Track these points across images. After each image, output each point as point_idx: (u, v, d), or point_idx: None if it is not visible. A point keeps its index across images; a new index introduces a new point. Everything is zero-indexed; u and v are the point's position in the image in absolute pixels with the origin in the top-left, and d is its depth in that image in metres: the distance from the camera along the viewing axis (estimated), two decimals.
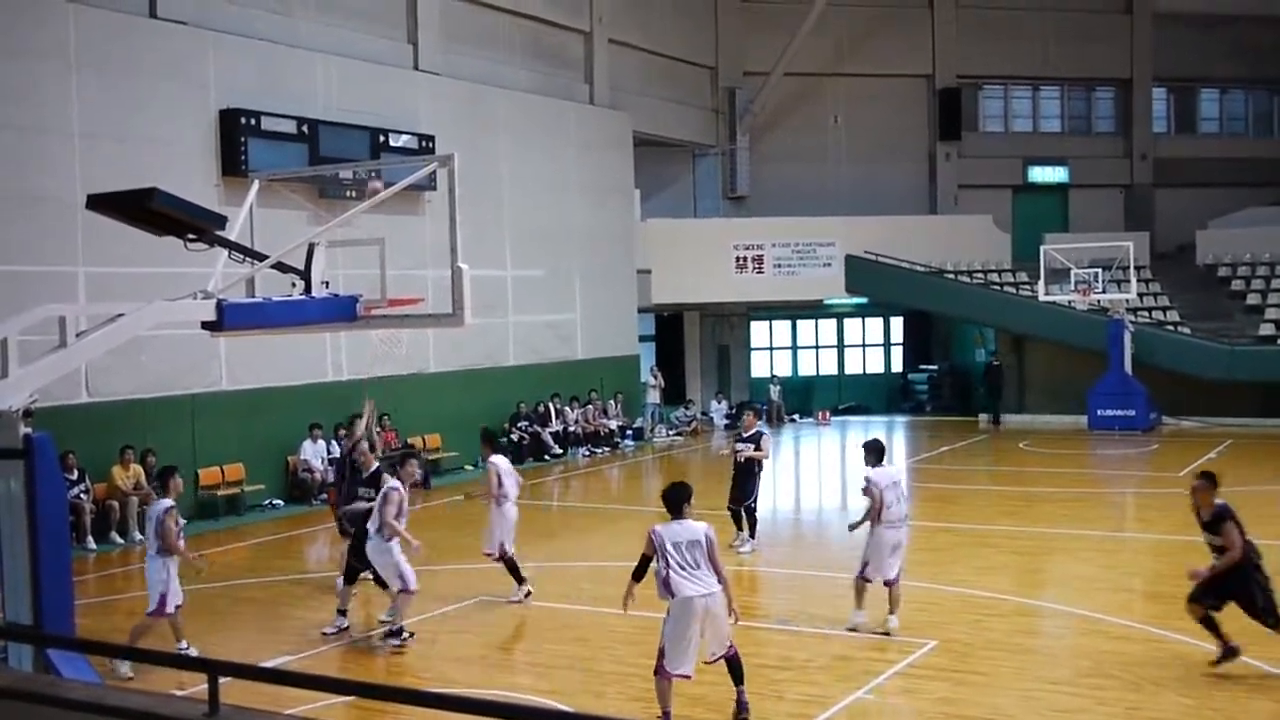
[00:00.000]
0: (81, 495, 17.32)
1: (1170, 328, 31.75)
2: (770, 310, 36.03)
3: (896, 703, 10.08)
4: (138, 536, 18.04)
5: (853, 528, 12.57)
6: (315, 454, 21.10)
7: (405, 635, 12.00)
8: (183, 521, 12.30)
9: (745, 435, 16.52)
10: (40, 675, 7.07)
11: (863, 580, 12.09)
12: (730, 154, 35.81)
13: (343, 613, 12.61)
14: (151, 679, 10.23)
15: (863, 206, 35.82)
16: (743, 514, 16.36)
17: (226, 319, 9.41)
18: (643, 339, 32.55)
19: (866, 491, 12.17)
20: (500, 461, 13.89)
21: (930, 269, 33.63)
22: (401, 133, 23.09)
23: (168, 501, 11.44)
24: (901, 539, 12.19)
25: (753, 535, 16.38)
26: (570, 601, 13.59)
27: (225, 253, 10.02)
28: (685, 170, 36.31)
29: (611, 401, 28.91)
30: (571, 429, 27.51)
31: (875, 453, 12.42)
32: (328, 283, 10.36)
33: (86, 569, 16.19)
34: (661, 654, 9.09)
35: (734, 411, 33.38)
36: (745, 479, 16.29)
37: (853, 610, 12.09)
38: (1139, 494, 21.56)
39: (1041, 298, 30.11)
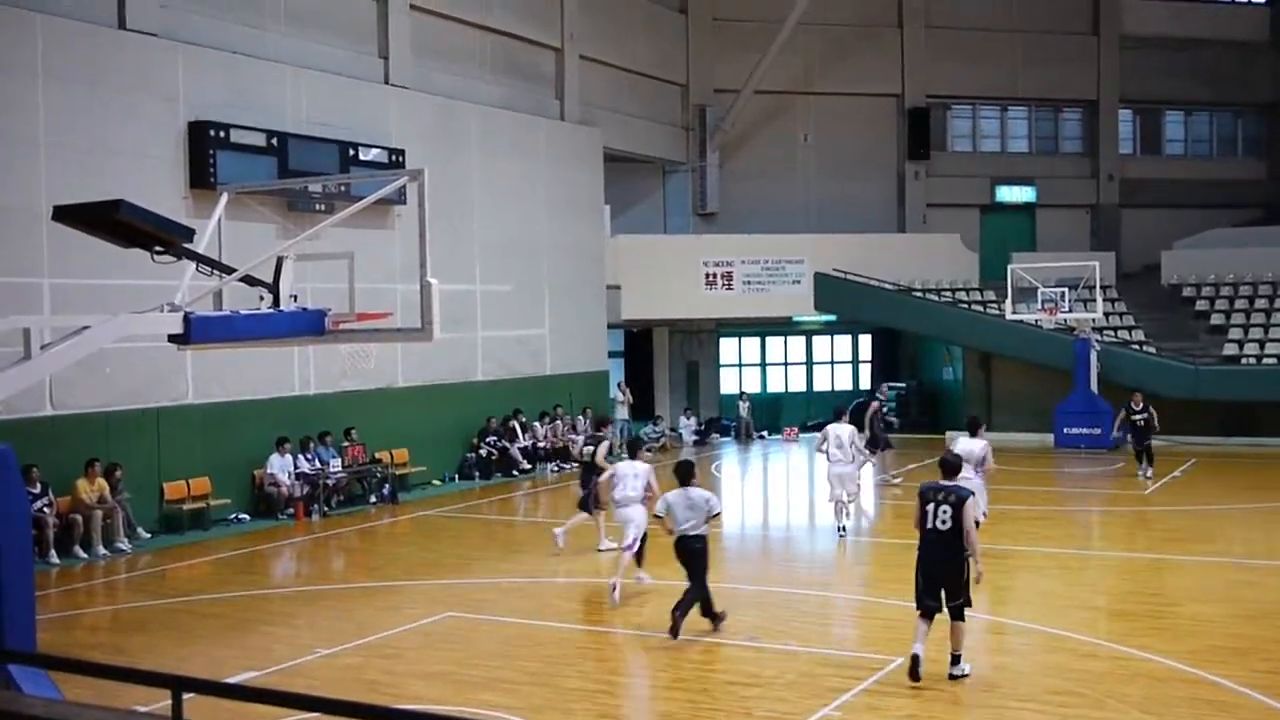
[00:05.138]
0: (45, 509, 17.15)
1: (1136, 347, 32.05)
2: (739, 327, 36.11)
3: None
4: (101, 551, 17.88)
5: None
6: (282, 468, 20.96)
7: None
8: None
9: (1137, 410, 23.93)
10: (1, 691, 6.98)
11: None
12: (700, 171, 35.91)
13: None
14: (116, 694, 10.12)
15: (832, 224, 36.01)
16: (1145, 453, 24.11)
17: (194, 332, 9.34)
18: (612, 355, 32.53)
19: None
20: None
21: (899, 287, 33.81)
22: (371, 146, 23.02)
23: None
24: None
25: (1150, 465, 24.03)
26: (538, 618, 13.55)
27: (193, 265, 9.96)
28: (655, 186, 36.38)
29: (580, 417, 28.86)
30: (540, 444, 27.45)
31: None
32: (296, 296, 10.30)
33: (49, 583, 16.02)
34: None
35: (703, 427, 33.55)
36: (1145, 435, 23.95)
37: None
38: (1104, 511, 21.69)
39: (1008, 316, 30.33)
